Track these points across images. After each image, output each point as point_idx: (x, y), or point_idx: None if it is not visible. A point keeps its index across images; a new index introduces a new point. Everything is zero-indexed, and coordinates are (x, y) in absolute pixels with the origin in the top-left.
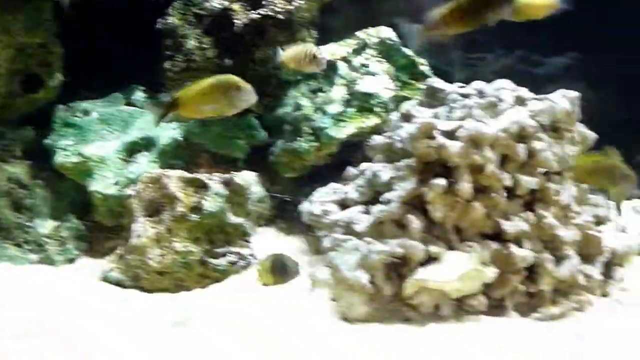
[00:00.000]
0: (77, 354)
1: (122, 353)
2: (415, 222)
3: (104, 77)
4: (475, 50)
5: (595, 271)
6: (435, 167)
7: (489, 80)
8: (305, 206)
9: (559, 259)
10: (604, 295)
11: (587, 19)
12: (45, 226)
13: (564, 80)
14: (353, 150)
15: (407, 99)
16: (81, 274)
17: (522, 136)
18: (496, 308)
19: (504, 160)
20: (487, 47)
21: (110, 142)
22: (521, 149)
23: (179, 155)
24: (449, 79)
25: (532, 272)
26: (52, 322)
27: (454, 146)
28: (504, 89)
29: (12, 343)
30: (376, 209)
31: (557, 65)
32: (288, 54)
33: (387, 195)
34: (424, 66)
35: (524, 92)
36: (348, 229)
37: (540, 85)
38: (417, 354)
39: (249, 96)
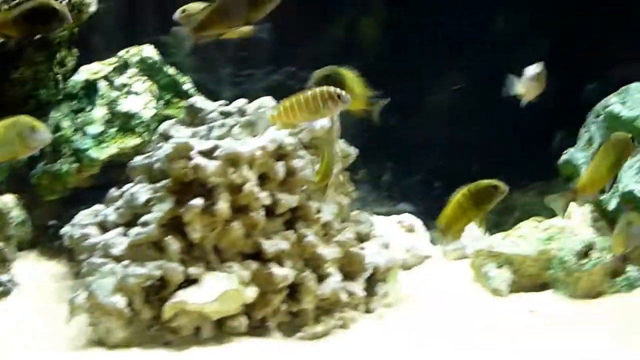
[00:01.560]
0: None
1: None
2: (173, 244)
3: None
4: (244, 67)
5: (358, 288)
6: (195, 187)
7: (258, 98)
8: (66, 229)
9: (321, 277)
10: (368, 311)
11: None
12: None
13: None
14: (119, 171)
15: (171, 118)
16: None
17: (281, 154)
18: (259, 328)
19: (264, 179)
20: (256, 64)
21: None
22: (280, 167)
23: None
24: (218, 97)
25: (294, 291)
26: None
27: (210, 166)
28: (265, 106)
29: None
30: (134, 231)
31: None
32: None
33: (145, 217)
34: (187, 84)
35: None
36: (106, 252)
37: None
38: None
39: (44, 136)
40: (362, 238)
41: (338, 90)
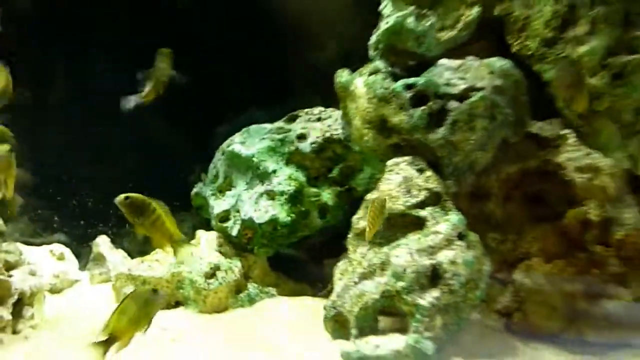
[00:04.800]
0: None
1: None
2: None
3: None
4: None
5: (5, 312)
6: None
7: None
8: None
9: None
10: (15, 332)
11: None
12: None
13: None
14: None
15: None
16: None
17: None
18: None
19: None
20: None
21: None
22: None
23: None
24: None
25: None
26: None
27: None
28: None
29: None
30: None
31: None
32: None
33: None
34: None
35: None
36: None
37: None
38: None
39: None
40: (10, 266)
41: None
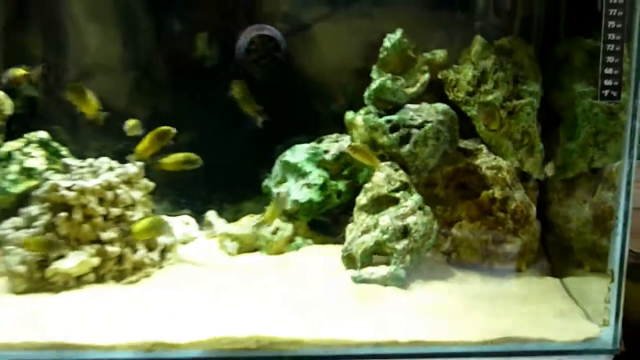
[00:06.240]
0: None
1: None
2: (51, 238)
3: None
4: (96, 138)
5: (155, 256)
6: (63, 206)
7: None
8: None
9: (135, 251)
10: (161, 267)
11: None
12: None
13: None
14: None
15: (58, 170)
16: None
17: (110, 187)
18: (101, 280)
19: (102, 200)
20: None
21: None
22: (109, 194)
23: None
24: (83, 157)
25: (121, 258)
26: None
27: (69, 194)
28: (103, 162)
29: None
30: (30, 230)
31: None
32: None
33: (35, 223)
34: (64, 151)
35: (114, 164)
36: (16, 242)
37: None
38: (51, 307)
39: None
40: None
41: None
